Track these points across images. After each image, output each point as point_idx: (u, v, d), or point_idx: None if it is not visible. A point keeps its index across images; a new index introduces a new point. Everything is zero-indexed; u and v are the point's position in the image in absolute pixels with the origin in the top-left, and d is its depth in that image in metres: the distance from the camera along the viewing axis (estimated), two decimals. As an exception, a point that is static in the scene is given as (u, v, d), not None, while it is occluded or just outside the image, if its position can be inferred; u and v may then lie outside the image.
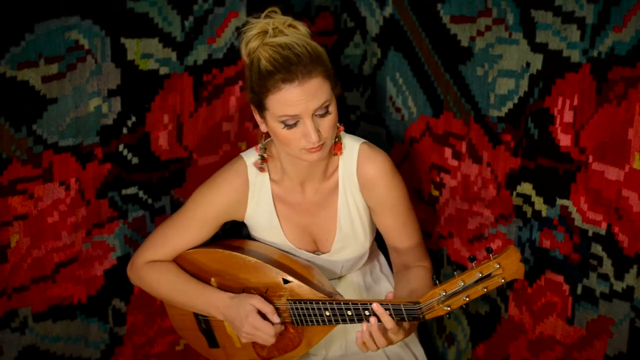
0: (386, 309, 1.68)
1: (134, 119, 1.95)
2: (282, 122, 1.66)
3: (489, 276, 1.63)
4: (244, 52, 1.71)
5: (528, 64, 1.77)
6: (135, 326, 2.11)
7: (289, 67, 1.62)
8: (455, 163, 2.00)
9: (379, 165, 1.81)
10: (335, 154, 1.81)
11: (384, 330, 1.71)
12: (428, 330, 2.24)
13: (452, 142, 1.99)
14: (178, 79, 1.98)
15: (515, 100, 1.82)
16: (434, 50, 1.97)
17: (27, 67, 1.72)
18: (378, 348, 1.72)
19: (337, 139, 1.79)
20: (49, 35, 1.73)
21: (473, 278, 1.63)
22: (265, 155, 1.83)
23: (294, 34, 1.67)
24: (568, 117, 1.71)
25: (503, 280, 1.63)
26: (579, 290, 1.79)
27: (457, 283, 1.64)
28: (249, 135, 2.14)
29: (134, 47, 1.88)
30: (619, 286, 1.71)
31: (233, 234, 2.10)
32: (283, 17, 1.69)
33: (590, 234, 1.73)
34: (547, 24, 1.70)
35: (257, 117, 1.74)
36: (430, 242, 2.13)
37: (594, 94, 1.65)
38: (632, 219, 1.65)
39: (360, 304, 1.71)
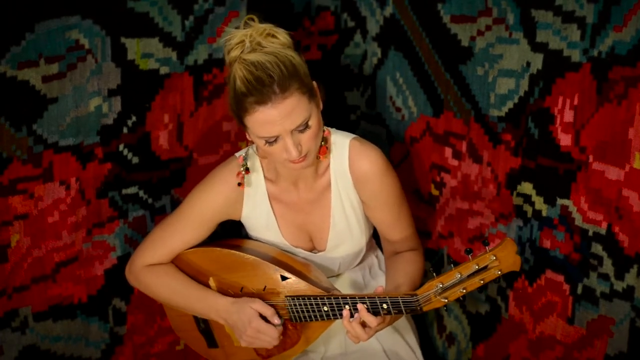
0: (383, 303, 1.69)
1: (134, 118, 1.95)
2: (263, 139, 1.66)
3: (485, 268, 1.64)
4: (226, 62, 1.69)
5: (528, 64, 1.77)
6: (135, 326, 2.11)
7: (261, 89, 1.60)
8: (455, 163, 2.00)
9: (372, 160, 1.81)
10: (318, 157, 1.80)
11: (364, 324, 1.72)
12: (428, 330, 2.24)
13: (453, 141, 1.99)
14: (178, 79, 1.98)
15: (516, 100, 1.82)
16: (434, 50, 1.97)
17: (27, 66, 1.72)
18: (368, 338, 1.73)
19: (322, 142, 1.78)
20: (49, 35, 1.73)
21: (470, 270, 1.64)
22: (248, 166, 1.83)
23: (272, 44, 1.65)
24: (568, 116, 1.71)
25: (499, 272, 1.65)
26: (580, 290, 1.79)
27: (454, 275, 1.65)
28: (249, 134, 2.14)
29: (134, 47, 1.88)
30: (619, 286, 1.71)
31: (232, 233, 2.10)
32: (262, 25, 1.66)
33: (590, 233, 1.73)
34: (548, 24, 1.70)
35: (241, 127, 1.74)
36: (431, 242, 2.13)
37: (595, 94, 1.65)
38: (632, 219, 1.65)
39: (358, 298, 1.71)
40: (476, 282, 1.65)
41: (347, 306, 1.72)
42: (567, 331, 1.85)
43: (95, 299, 2.02)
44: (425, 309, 1.69)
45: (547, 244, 1.83)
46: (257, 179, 1.85)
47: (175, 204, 2.07)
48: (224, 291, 1.88)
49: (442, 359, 2.22)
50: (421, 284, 1.73)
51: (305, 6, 2.13)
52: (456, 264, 2.02)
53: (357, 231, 1.89)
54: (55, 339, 1.99)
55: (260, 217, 1.88)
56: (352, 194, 1.85)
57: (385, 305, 1.70)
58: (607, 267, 1.72)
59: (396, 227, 1.89)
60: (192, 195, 1.88)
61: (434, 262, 2.14)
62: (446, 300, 1.67)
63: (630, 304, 1.70)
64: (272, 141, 1.65)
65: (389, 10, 2.06)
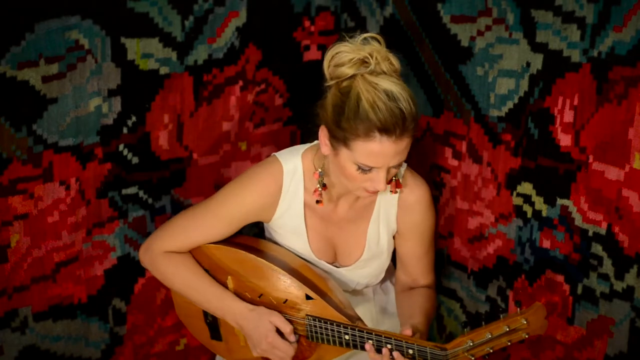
0: (409, 348, 1.67)
1: (134, 118, 1.95)
2: (358, 165, 1.63)
3: (514, 330, 1.63)
4: (327, 72, 1.65)
5: (528, 64, 1.77)
6: (135, 326, 2.11)
7: (390, 120, 1.57)
8: (455, 163, 2.00)
9: (421, 192, 1.84)
10: (393, 192, 1.79)
11: None
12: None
13: (453, 141, 1.99)
14: (178, 79, 1.98)
15: (516, 100, 1.82)
16: (435, 50, 1.97)
17: (27, 66, 1.72)
18: None
19: (395, 177, 1.78)
20: (49, 35, 1.73)
21: (500, 331, 1.63)
22: (325, 183, 1.79)
23: (392, 72, 1.63)
24: (568, 116, 1.72)
25: (527, 335, 1.64)
26: (579, 290, 1.79)
27: (485, 334, 1.64)
28: (249, 135, 2.14)
29: (134, 47, 1.88)
30: (619, 286, 1.71)
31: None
32: (384, 48, 1.63)
33: (590, 233, 1.73)
34: (547, 24, 1.70)
35: (325, 141, 1.69)
36: (431, 242, 2.13)
37: (594, 94, 1.65)
38: (632, 219, 1.65)
39: (384, 337, 1.69)
40: (503, 342, 1.64)
41: (370, 341, 1.70)
42: (567, 331, 1.85)
43: (95, 299, 2.02)
44: None
45: (547, 244, 1.83)
46: (296, 187, 1.82)
47: (176, 204, 2.07)
48: (240, 293, 1.84)
49: (442, 359, 2.22)
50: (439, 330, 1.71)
51: (305, 6, 2.13)
52: (456, 264, 2.02)
53: (385, 255, 1.90)
54: (55, 339, 1.99)
55: (290, 221, 1.85)
56: (392, 220, 1.86)
57: (411, 351, 1.67)
58: (607, 267, 1.72)
59: (422, 261, 1.92)
60: (227, 191, 1.84)
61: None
62: (472, 358, 1.66)
63: (630, 304, 1.70)
64: (367, 170, 1.64)
65: (389, 10, 2.06)
